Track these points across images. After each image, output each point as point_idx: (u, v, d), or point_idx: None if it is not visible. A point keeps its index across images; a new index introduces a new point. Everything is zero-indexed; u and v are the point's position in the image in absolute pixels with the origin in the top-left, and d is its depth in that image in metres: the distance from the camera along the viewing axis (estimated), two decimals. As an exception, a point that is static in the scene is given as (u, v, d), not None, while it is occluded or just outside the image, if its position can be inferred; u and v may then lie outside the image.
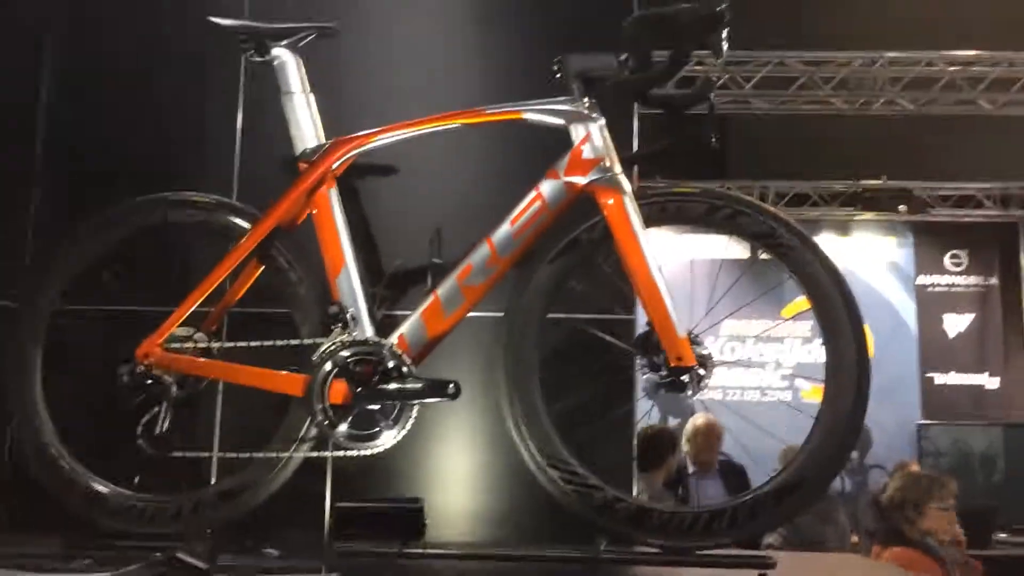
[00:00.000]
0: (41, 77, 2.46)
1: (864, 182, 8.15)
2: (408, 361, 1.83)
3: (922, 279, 8.87)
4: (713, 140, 1.95)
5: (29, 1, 2.44)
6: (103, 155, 2.41)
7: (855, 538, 5.51)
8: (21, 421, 1.99)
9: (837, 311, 1.79)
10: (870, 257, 8.81)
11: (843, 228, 8.82)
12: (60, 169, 2.42)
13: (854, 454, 8.37)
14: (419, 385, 1.82)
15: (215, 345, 1.97)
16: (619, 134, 1.91)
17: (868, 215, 8.50)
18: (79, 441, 1.99)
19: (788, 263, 1.82)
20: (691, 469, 4.63)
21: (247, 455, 1.90)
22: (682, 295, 1.90)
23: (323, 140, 1.97)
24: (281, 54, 1.99)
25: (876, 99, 7.20)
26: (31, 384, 1.98)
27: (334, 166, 1.95)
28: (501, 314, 1.89)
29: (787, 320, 7.09)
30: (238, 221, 2.00)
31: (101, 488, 1.94)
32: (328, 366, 1.82)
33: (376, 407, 1.82)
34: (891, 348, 8.53)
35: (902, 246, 8.88)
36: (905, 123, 7.50)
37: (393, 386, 1.82)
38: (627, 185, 1.85)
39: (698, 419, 4.62)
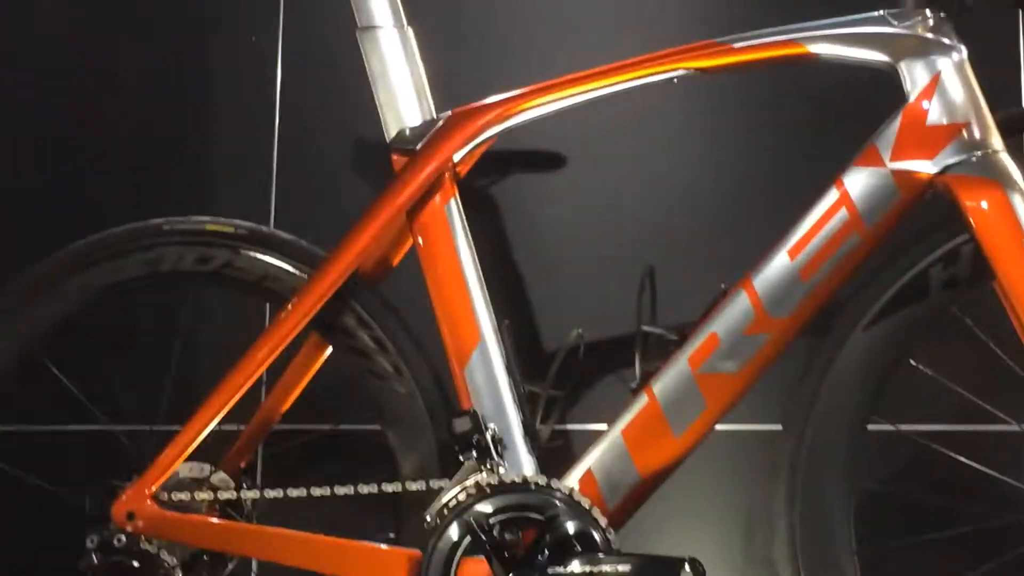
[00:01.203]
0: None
1: None
2: (603, 522, 1.77)
3: None
4: None
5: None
6: (45, 162, 2.55)
7: None
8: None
9: None
10: None
11: None
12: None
13: None
14: (625, 568, 1.74)
15: (248, 495, 1.99)
16: (995, 76, 1.83)
17: None
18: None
19: None
20: None
21: None
22: None
23: (433, 113, 1.97)
24: None
25: None
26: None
27: (455, 159, 1.93)
28: (777, 428, 1.86)
29: None
30: (283, 265, 2.02)
31: None
32: (455, 533, 1.77)
33: (547, 609, 1.80)
34: None
35: None
36: None
37: (576, 568, 1.75)
38: (1016, 172, 1.74)
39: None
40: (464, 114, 1.94)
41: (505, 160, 2.08)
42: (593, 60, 1.91)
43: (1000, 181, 1.72)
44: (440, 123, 1.94)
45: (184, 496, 1.93)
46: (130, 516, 1.91)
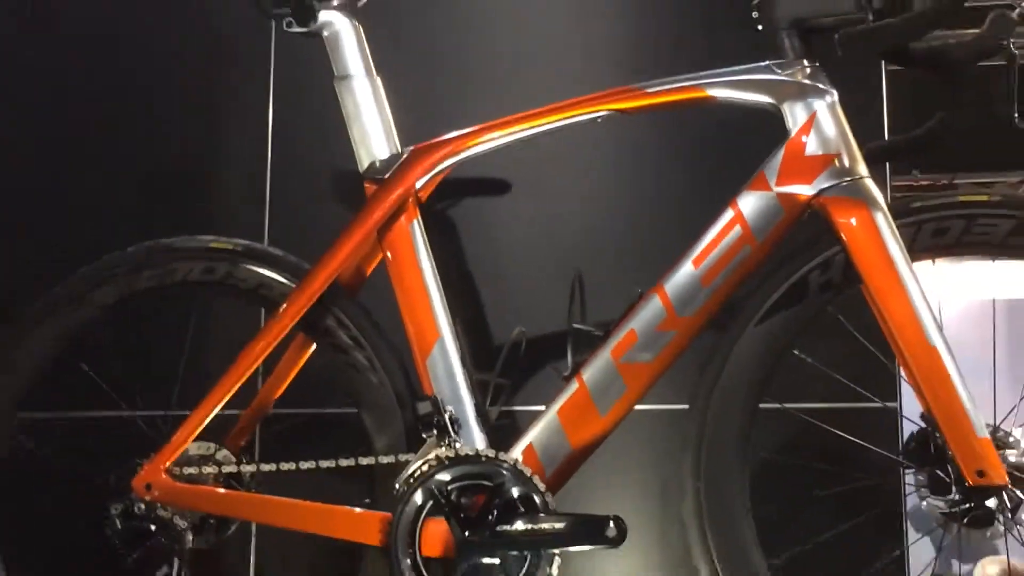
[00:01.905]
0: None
1: None
2: (542, 487, 1.80)
3: None
4: (1015, 115, 1.85)
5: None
6: (62, 185, 2.53)
7: None
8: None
9: None
10: None
11: None
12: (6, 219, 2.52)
13: None
14: (560, 525, 1.78)
15: (247, 468, 2.01)
16: (861, 114, 1.87)
17: None
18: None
19: None
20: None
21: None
22: (980, 365, 1.87)
23: (398, 148, 1.99)
24: (333, 20, 2.02)
25: None
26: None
27: (417, 186, 1.96)
28: (685, 407, 1.86)
29: None
30: (275, 276, 2.04)
31: None
32: (419, 498, 1.81)
33: (495, 561, 1.79)
34: None
35: None
36: None
37: (520, 527, 1.78)
38: (879, 195, 1.78)
39: (988, 567, 4.40)
40: (424, 148, 1.96)
41: (459, 186, 2.08)
42: (534, 101, 1.93)
43: (866, 202, 1.75)
44: (404, 156, 1.96)
45: (193, 470, 1.97)
46: (148, 487, 1.95)
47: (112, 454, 1.99)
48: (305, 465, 1.91)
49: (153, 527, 1.95)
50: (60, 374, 2.09)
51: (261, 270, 2.05)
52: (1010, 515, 1.71)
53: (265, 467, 1.96)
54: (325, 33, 2.01)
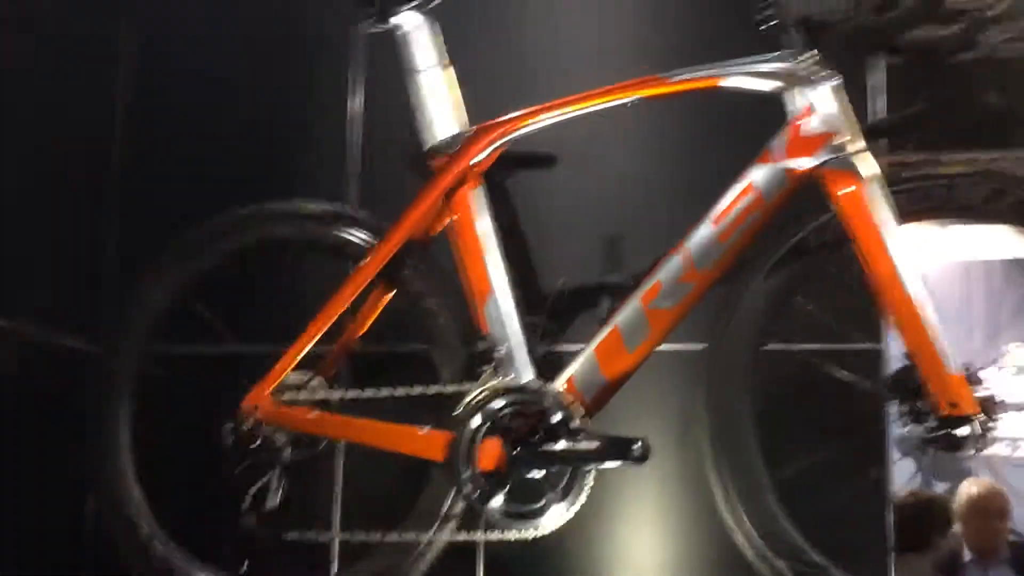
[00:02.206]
0: (116, 69, 2.62)
1: None
2: (580, 412, 1.85)
3: None
4: (990, 98, 1.88)
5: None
6: (191, 161, 2.55)
7: None
8: (105, 492, 2.13)
9: None
10: None
11: None
12: (141, 177, 2.57)
13: None
14: (595, 444, 1.83)
15: (335, 395, 2.04)
16: (858, 98, 1.88)
17: None
18: (175, 517, 2.10)
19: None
20: (967, 556, 4.40)
21: (377, 537, 1.95)
22: (954, 313, 1.86)
23: (466, 127, 2.02)
24: (410, 19, 2.03)
25: None
26: (117, 446, 2.12)
27: (478, 159, 1.99)
28: (702, 347, 1.90)
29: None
30: (359, 235, 2.08)
31: (202, 576, 2.04)
32: (477, 421, 1.86)
33: (540, 474, 1.84)
34: None
35: None
36: None
37: (561, 446, 1.83)
38: (871, 167, 1.81)
39: (971, 488, 4.37)
40: (486, 127, 1.99)
41: (515, 160, 2.11)
42: (584, 86, 1.95)
43: (860, 173, 1.78)
44: (467, 134, 1.99)
45: (291, 395, 2.01)
46: (254, 408, 2.00)
47: (226, 383, 2.04)
48: (384, 392, 1.94)
49: (258, 442, 1.99)
50: (186, 314, 2.14)
51: (348, 230, 2.08)
52: (980, 441, 1.73)
53: (351, 393, 2.00)
54: (401, 31, 2.02)
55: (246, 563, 2.02)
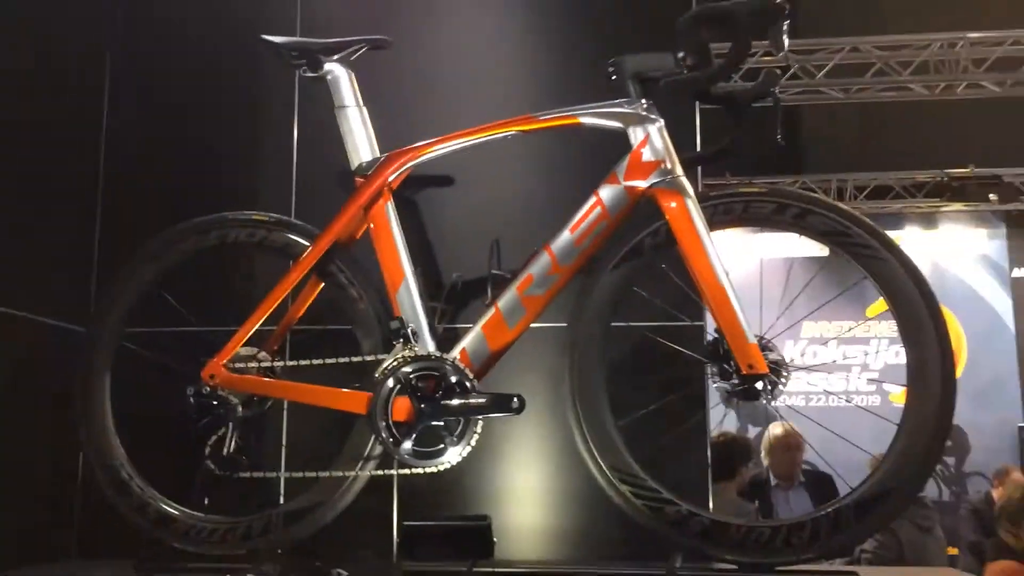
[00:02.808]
0: (102, 99, 2.53)
1: (950, 171, 7.94)
2: (471, 375, 1.86)
3: (1018, 272, 8.58)
4: (778, 136, 1.94)
5: (86, 25, 2.50)
6: (163, 176, 2.47)
7: (954, 550, 5.36)
8: (92, 445, 2.06)
9: (917, 310, 1.76)
10: (960, 251, 8.58)
11: (929, 221, 8.61)
12: (121, 192, 2.48)
13: (950, 461, 8.15)
14: (482, 400, 1.84)
15: (278, 364, 2.02)
16: (680, 135, 1.92)
17: (956, 206, 8.28)
18: (149, 464, 2.06)
19: (863, 263, 1.80)
20: (773, 482, 4.54)
21: (314, 475, 1.95)
22: (753, 298, 1.90)
23: (378, 154, 2.02)
24: (333, 69, 2.04)
25: (959, 83, 7.00)
26: (101, 407, 2.07)
27: (390, 179, 1.99)
28: (565, 325, 1.90)
29: (871, 320, 6.94)
30: (297, 239, 2.05)
31: (171, 510, 2.01)
32: (390, 383, 1.86)
33: (440, 423, 1.85)
34: (987, 347, 8.29)
35: (994, 238, 8.62)
36: (991, 106, 7.29)
37: (456, 401, 1.84)
38: (690, 187, 1.85)
39: (774, 429, 4.51)
40: (396, 153, 1.99)
41: (421, 180, 2.12)
42: (473, 122, 1.96)
43: (681, 192, 1.83)
44: (381, 159, 1.99)
45: (242, 364, 1.99)
46: (211, 376, 1.97)
47: (188, 357, 2.00)
48: (317, 361, 1.94)
49: (215, 401, 1.96)
50: (156, 302, 2.09)
51: (287, 234, 2.05)
52: (770, 392, 1.78)
53: (290, 363, 2.00)
54: (328, 77, 2.03)
55: (206, 499, 1.99)
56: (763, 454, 4.65)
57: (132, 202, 2.47)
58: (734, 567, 1.78)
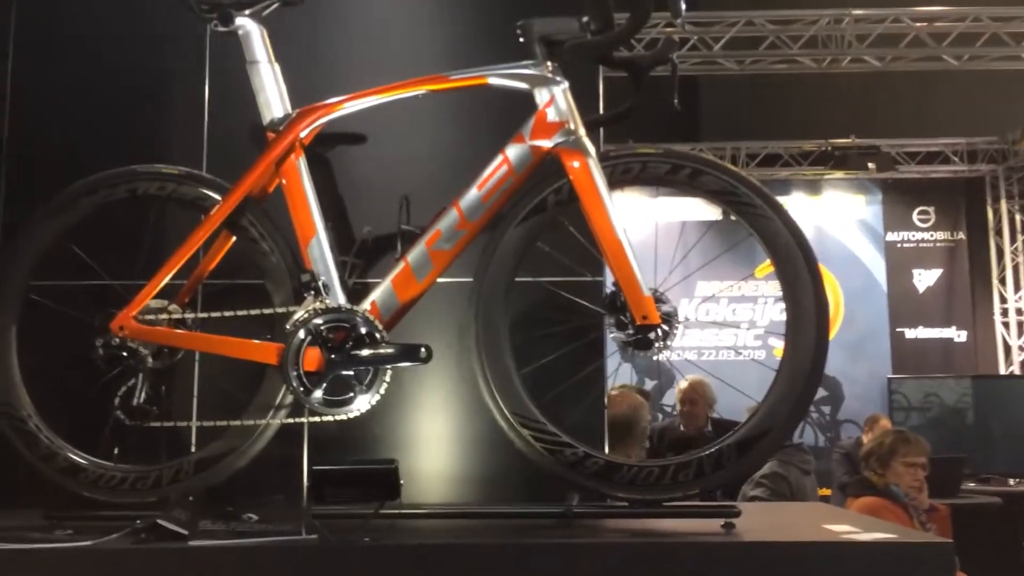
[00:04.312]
0: (7, 51, 2.39)
1: (834, 141, 8.22)
2: (380, 327, 1.86)
3: (891, 235, 9.00)
4: (675, 101, 1.98)
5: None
6: (70, 129, 2.36)
7: (827, 491, 5.68)
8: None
9: (796, 265, 1.84)
10: (841, 215, 8.93)
11: (814, 187, 8.93)
12: (27, 144, 2.35)
13: (826, 409, 8.55)
14: (391, 350, 1.85)
15: (189, 316, 1.99)
16: (584, 97, 1.94)
17: (838, 174, 8.59)
18: (57, 415, 2.00)
19: (748, 220, 1.86)
20: (682, 428, 4.67)
21: (224, 423, 1.92)
22: (649, 257, 1.94)
23: (290, 110, 1.98)
24: (245, 24, 1.98)
25: (843, 57, 7.24)
26: (7, 360, 1.99)
27: (301, 135, 1.95)
28: (472, 279, 1.91)
29: (757, 279, 7.18)
30: (208, 192, 2.00)
31: (80, 460, 1.96)
32: (301, 334, 1.84)
33: (350, 373, 1.84)
34: (862, 304, 8.70)
35: (871, 203, 9.00)
36: (872, 80, 7.56)
37: (366, 352, 1.84)
38: (591, 148, 1.87)
39: (682, 383, 4.66)
40: (307, 109, 1.96)
41: (332, 137, 2.08)
42: (385, 80, 1.94)
43: (583, 152, 1.85)
44: (293, 115, 1.96)
45: (152, 316, 1.94)
46: (121, 328, 1.92)
47: (96, 309, 1.95)
48: (227, 313, 1.91)
49: (125, 353, 1.92)
50: (65, 255, 2.02)
51: (197, 188, 2.00)
52: (663, 341, 1.84)
53: (200, 315, 1.97)
54: (240, 32, 1.98)
55: (117, 448, 1.95)
56: (677, 404, 4.83)
57: (39, 158, 2.35)
58: (625, 503, 1.84)
